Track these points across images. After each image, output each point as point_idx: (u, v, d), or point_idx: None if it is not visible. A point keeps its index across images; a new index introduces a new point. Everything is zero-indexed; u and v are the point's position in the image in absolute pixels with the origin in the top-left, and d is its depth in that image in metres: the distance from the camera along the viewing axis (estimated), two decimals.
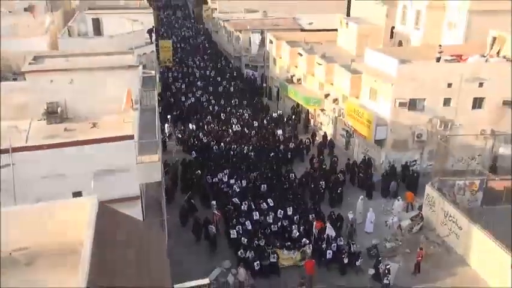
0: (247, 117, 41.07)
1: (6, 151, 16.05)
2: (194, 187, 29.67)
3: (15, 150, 16.24)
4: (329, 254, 23.26)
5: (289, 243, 23.87)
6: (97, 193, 10.41)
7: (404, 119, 30.77)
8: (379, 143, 31.78)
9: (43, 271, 9.04)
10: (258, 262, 22.46)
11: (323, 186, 29.40)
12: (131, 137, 17.87)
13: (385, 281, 21.66)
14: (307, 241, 23.76)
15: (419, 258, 23.51)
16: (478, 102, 30.90)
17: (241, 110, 42.60)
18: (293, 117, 42.15)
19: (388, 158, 31.84)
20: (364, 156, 33.10)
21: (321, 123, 40.24)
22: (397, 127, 31.02)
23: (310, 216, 25.89)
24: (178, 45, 67.22)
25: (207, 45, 68.72)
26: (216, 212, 26.48)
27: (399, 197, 28.43)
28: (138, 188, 18.59)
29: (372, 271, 22.56)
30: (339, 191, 29.04)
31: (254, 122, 39.87)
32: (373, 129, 31.25)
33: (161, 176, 21.17)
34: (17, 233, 9.41)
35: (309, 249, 23.27)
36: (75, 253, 9.02)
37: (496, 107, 30.93)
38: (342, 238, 24.46)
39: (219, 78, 51.64)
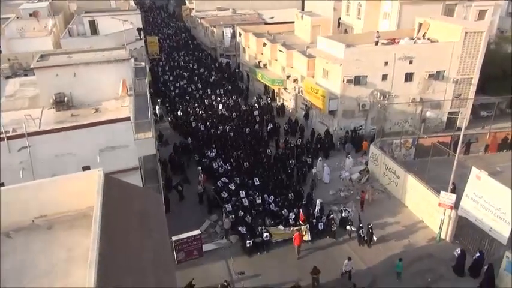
0: (229, 102, 39.69)
1: (22, 136, 15.59)
2: (184, 173, 27.84)
3: (30, 134, 15.79)
4: (320, 226, 21.93)
5: (283, 224, 22.01)
6: (103, 166, 10.22)
7: (351, 93, 30.88)
8: (332, 113, 31.94)
9: (62, 233, 8.92)
10: (250, 241, 20.79)
11: (292, 165, 27.77)
12: (128, 119, 17.48)
13: (374, 239, 21.00)
14: (301, 223, 21.94)
15: (362, 198, 24.38)
16: (409, 76, 31.18)
17: (226, 98, 40.91)
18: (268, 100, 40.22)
19: (340, 124, 32.14)
20: (324, 132, 32.41)
21: (285, 100, 40.21)
22: (346, 99, 31.13)
23: (290, 195, 24.21)
24: (165, 42, 65.34)
25: (189, 41, 67.02)
26: (201, 174, 26.36)
27: (349, 156, 28.87)
28: (137, 160, 18.32)
29: (354, 232, 21.73)
30: (303, 171, 27.51)
31: (236, 105, 38.55)
32: (327, 102, 31.31)
33: (155, 150, 20.93)
34: (38, 203, 9.22)
35: (307, 229, 21.53)
36: (87, 216, 8.91)
37: (423, 79, 31.32)
38: (332, 213, 22.72)
39: (202, 69, 50.49)
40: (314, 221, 22.19)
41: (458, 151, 20.96)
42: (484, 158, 28.10)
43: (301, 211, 22.62)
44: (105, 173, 9.54)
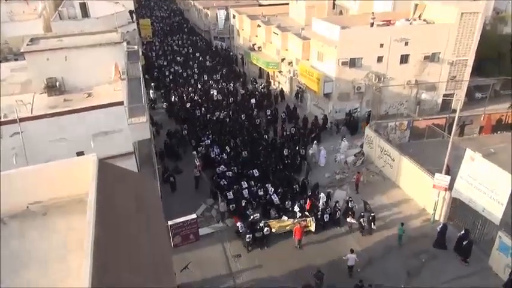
0: (227, 87, 39.16)
1: (14, 121, 15.44)
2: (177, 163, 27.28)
3: (23, 120, 15.64)
4: (326, 218, 21.33)
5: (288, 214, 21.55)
6: (97, 151, 10.16)
7: (346, 75, 30.71)
8: (327, 96, 31.84)
9: (57, 219, 8.92)
10: (250, 236, 20.21)
11: (286, 154, 26.97)
12: (121, 103, 17.36)
13: (373, 227, 20.94)
14: (308, 214, 21.42)
15: (357, 180, 24.53)
16: (404, 58, 31.01)
17: (224, 83, 40.25)
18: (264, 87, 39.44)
19: (335, 108, 32.08)
20: (321, 117, 32.09)
21: (280, 83, 39.97)
22: (341, 82, 30.97)
23: (295, 186, 23.75)
24: (158, 25, 64.32)
25: (183, 24, 65.96)
26: (197, 159, 26.35)
27: (344, 138, 28.91)
28: (131, 145, 18.26)
29: (355, 224, 21.27)
30: (298, 161, 26.69)
31: (234, 90, 38.06)
32: (322, 85, 31.15)
33: (150, 134, 20.83)
34: (32, 189, 9.19)
35: (313, 221, 20.89)
36: (82, 202, 8.89)
37: (418, 61, 31.20)
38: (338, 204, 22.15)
39: (197, 54, 49.90)
40: (319, 213, 21.50)
41: (452, 133, 21.05)
42: (478, 139, 28.21)
43: (307, 200, 22.33)
44: (100, 158, 9.50)
